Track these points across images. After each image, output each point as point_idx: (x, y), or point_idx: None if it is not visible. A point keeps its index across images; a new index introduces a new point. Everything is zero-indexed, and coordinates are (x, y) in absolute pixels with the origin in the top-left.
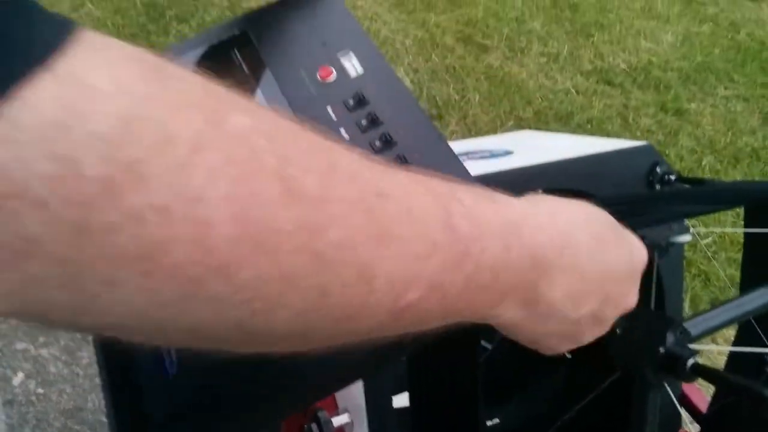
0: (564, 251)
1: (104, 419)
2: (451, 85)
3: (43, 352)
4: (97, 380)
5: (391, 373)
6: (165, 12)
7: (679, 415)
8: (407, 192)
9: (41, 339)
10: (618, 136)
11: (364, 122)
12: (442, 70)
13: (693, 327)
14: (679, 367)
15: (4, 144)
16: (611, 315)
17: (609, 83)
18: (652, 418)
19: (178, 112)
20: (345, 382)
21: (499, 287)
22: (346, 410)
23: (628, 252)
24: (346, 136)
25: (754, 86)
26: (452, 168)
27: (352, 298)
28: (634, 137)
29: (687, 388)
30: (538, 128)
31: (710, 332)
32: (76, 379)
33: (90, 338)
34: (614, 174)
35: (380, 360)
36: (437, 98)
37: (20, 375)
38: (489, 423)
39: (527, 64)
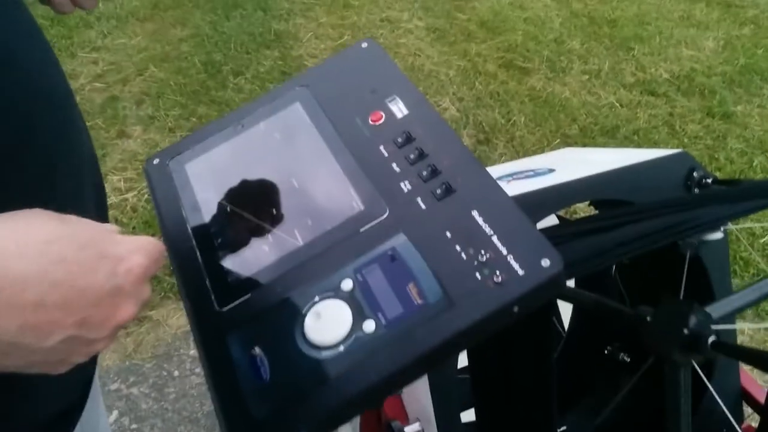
0: (5, 289)
1: None
2: (497, 110)
3: (134, 390)
4: (185, 413)
5: (458, 388)
6: (221, 68)
7: (740, 409)
8: None
9: (131, 378)
10: (665, 144)
11: (412, 156)
12: (487, 96)
13: (714, 310)
14: (701, 345)
15: None
16: (99, 335)
17: (653, 94)
18: (685, 397)
19: None
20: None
21: None
22: (417, 420)
23: (109, 271)
24: (397, 169)
25: None
26: (490, 191)
27: None
28: (682, 144)
29: (746, 382)
30: (585, 144)
31: (731, 314)
32: (166, 414)
33: (175, 374)
34: (652, 182)
35: (438, 356)
36: (484, 123)
37: (115, 413)
38: None
39: (569, 82)
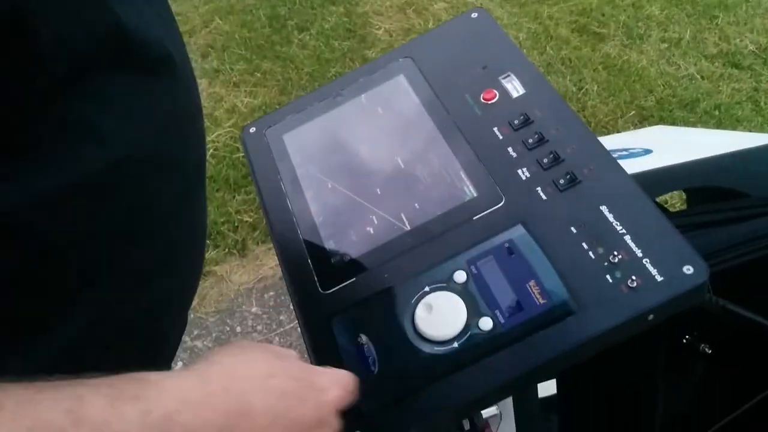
0: (244, 422)
1: None
2: (568, 77)
3: (198, 343)
4: None
5: None
6: (286, 23)
7: None
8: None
9: (195, 332)
10: (749, 121)
11: (530, 141)
12: (558, 62)
13: None
14: None
15: None
16: None
17: (737, 66)
18: None
19: None
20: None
21: None
22: (494, 404)
23: (315, 402)
24: (513, 154)
25: None
26: (621, 184)
27: None
28: (767, 122)
29: None
30: (661, 117)
31: None
32: None
33: (237, 330)
34: (763, 171)
35: (560, 364)
36: None
37: (179, 364)
38: None
39: (647, 51)
